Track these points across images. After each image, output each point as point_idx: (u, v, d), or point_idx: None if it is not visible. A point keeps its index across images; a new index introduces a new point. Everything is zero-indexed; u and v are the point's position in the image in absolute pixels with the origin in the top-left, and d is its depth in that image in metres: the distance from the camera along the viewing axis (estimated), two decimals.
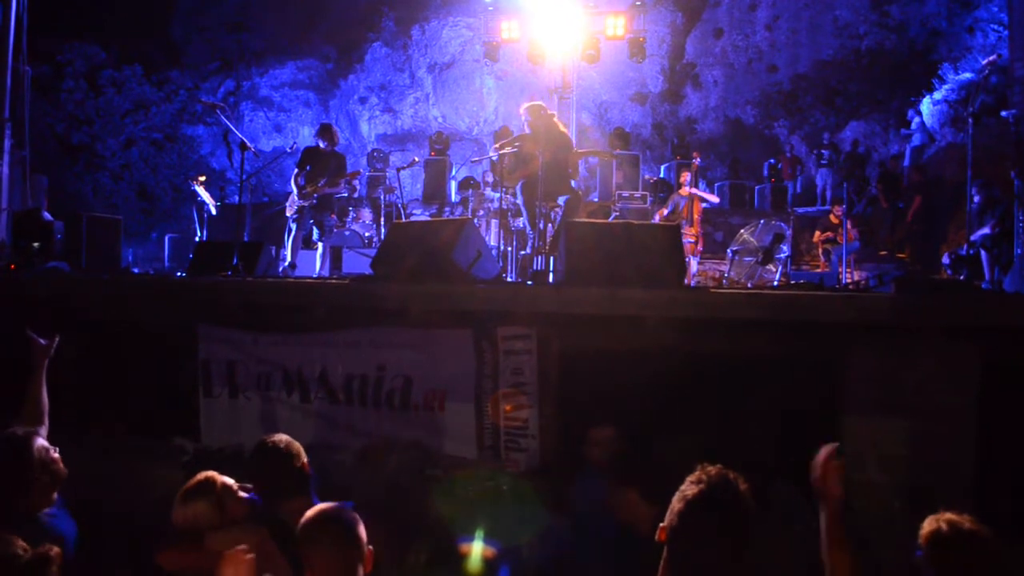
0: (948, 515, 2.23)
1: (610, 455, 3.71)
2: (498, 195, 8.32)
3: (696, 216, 10.28)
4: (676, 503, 1.98)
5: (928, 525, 2.22)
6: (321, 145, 8.24)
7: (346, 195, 10.63)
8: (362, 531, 2.36)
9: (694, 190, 10.48)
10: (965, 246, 8.31)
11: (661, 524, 1.97)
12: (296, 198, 8.13)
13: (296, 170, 8.25)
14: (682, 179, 10.71)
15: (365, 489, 4.04)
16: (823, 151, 15.20)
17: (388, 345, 4.64)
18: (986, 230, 8.30)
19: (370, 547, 2.37)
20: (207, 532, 2.78)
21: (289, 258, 8.14)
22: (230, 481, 2.92)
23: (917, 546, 2.23)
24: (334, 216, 9.36)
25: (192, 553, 2.74)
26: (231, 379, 4.91)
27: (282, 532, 2.71)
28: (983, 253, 8.28)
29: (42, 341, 3.68)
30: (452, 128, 18.42)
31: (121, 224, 8.25)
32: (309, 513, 2.39)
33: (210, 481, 2.90)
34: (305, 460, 3.05)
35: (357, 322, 4.69)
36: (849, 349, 3.96)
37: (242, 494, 2.93)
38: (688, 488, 1.97)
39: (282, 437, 3.11)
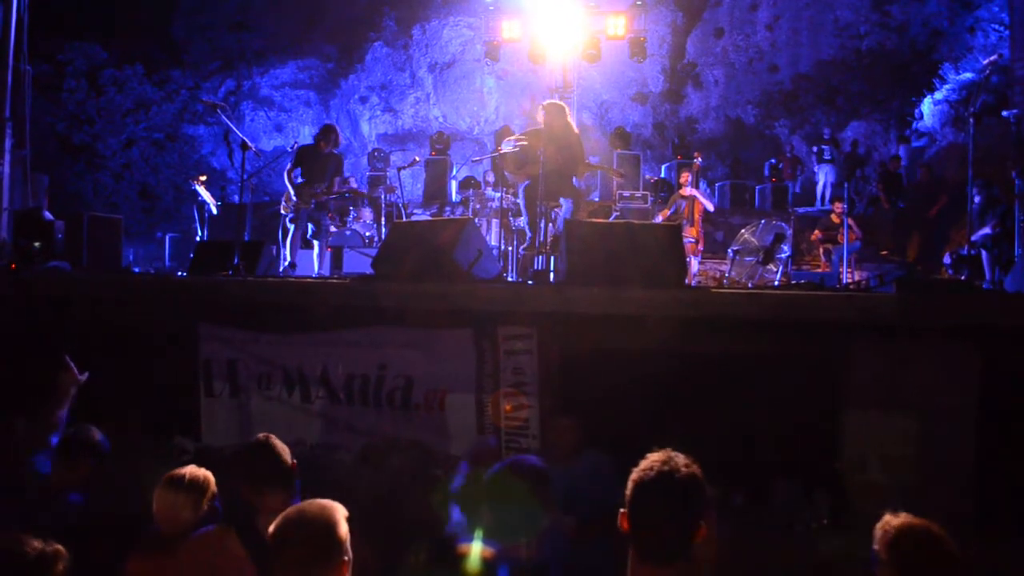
0: (890, 516, 2.27)
1: (570, 444, 3.91)
2: (499, 195, 8.31)
3: (697, 216, 10.25)
4: (627, 490, 2.05)
5: (881, 528, 2.26)
6: (321, 144, 8.20)
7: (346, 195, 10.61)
8: (343, 536, 2.10)
9: (694, 191, 10.45)
10: (966, 246, 8.32)
11: (622, 510, 2.04)
12: (293, 197, 8.11)
13: (289, 166, 8.12)
14: (682, 179, 10.68)
15: (366, 489, 4.03)
16: (824, 147, 15.07)
17: (389, 345, 4.64)
18: (987, 230, 8.30)
19: (347, 557, 2.09)
20: (179, 538, 2.78)
21: (289, 257, 8.12)
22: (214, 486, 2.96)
23: (872, 554, 2.26)
24: (331, 216, 9.34)
25: (158, 560, 2.74)
26: (232, 378, 4.91)
27: (253, 535, 2.65)
28: (984, 253, 8.29)
29: (78, 374, 3.84)
30: (453, 128, 18.42)
31: (122, 224, 8.23)
32: (289, 510, 2.18)
33: (205, 480, 2.92)
34: (292, 460, 2.99)
35: (358, 322, 4.69)
36: (850, 349, 3.96)
37: None
38: (635, 473, 2.05)
39: (268, 436, 3.06)
